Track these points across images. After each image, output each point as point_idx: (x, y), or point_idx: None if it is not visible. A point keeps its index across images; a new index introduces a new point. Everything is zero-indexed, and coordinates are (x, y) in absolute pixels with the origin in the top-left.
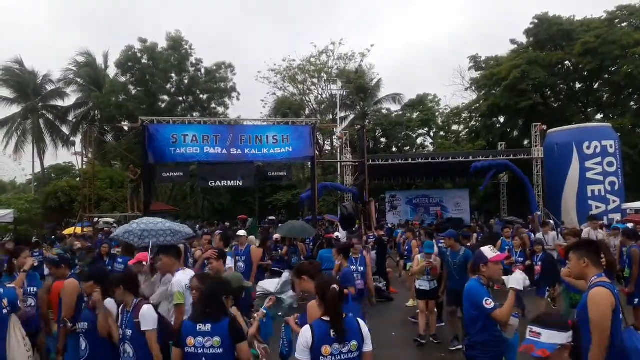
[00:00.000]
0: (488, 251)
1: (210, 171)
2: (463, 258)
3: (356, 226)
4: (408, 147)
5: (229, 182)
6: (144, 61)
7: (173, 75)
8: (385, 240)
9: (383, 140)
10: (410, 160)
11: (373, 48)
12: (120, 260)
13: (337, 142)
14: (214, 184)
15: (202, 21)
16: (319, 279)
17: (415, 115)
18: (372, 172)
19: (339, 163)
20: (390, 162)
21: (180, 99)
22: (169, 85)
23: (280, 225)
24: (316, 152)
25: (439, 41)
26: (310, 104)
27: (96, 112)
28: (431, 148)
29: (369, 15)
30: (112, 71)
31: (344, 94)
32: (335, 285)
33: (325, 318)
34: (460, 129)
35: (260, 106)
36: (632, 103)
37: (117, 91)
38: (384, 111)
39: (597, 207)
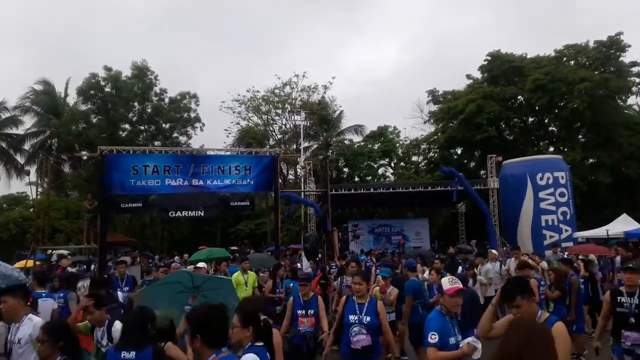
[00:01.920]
0: (446, 282)
1: (170, 201)
2: (407, 288)
3: (319, 256)
4: (370, 177)
5: (190, 212)
6: (107, 89)
7: (136, 104)
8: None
9: (346, 170)
10: (372, 190)
11: (334, 80)
12: (61, 294)
13: (300, 171)
14: (174, 215)
15: (165, 53)
16: (245, 308)
17: (376, 146)
18: (335, 201)
19: (302, 193)
20: (352, 191)
21: (142, 128)
22: (131, 114)
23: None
24: (280, 181)
25: (395, 75)
26: (274, 134)
27: (54, 140)
28: (392, 178)
29: (326, 50)
30: (72, 99)
31: (308, 124)
32: (265, 317)
33: (260, 344)
34: (419, 160)
35: (223, 136)
36: (580, 136)
37: (77, 119)
38: (346, 142)
39: (550, 237)
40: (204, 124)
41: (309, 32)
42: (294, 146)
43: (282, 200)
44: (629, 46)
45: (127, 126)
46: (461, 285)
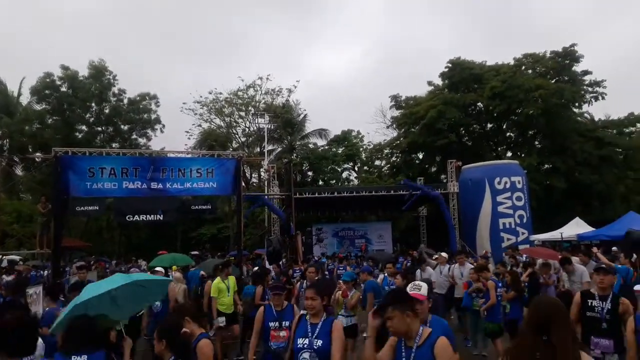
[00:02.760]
0: (409, 288)
1: (128, 204)
2: (367, 286)
3: (283, 260)
4: (334, 181)
5: (148, 216)
6: (63, 89)
7: (93, 104)
8: None
9: (310, 173)
10: (335, 194)
11: (298, 84)
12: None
13: (264, 175)
14: (132, 219)
15: (125, 53)
16: (164, 320)
17: (340, 150)
18: (299, 205)
19: (266, 196)
20: (316, 195)
21: (100, 129)
22: (88, 115)
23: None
24: (243, 184)
25: (357, 79)
26: (237, 136)
27: (5, 141)
28: (356, 182)
29: (290, 54)
30: (26, 99)
31: (272, 127)
32: (185, 330)
33: None
34: (382, 164)
35: (185, 138)
36: (536, 143)
37: (31, 119)
38: (310, 145)
39: (508, 239)
40: (164, 126)
41: (271, 36)
42: (258, 149)
43: (245, 204)
44: (583, 57)
45: (83, 127)
46: (420, 292)
